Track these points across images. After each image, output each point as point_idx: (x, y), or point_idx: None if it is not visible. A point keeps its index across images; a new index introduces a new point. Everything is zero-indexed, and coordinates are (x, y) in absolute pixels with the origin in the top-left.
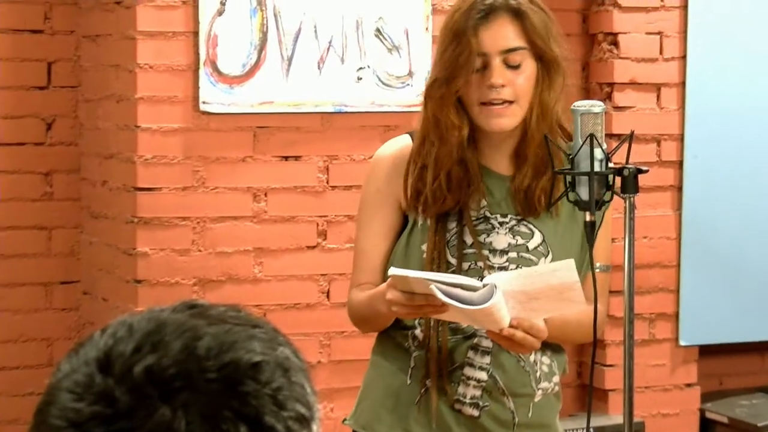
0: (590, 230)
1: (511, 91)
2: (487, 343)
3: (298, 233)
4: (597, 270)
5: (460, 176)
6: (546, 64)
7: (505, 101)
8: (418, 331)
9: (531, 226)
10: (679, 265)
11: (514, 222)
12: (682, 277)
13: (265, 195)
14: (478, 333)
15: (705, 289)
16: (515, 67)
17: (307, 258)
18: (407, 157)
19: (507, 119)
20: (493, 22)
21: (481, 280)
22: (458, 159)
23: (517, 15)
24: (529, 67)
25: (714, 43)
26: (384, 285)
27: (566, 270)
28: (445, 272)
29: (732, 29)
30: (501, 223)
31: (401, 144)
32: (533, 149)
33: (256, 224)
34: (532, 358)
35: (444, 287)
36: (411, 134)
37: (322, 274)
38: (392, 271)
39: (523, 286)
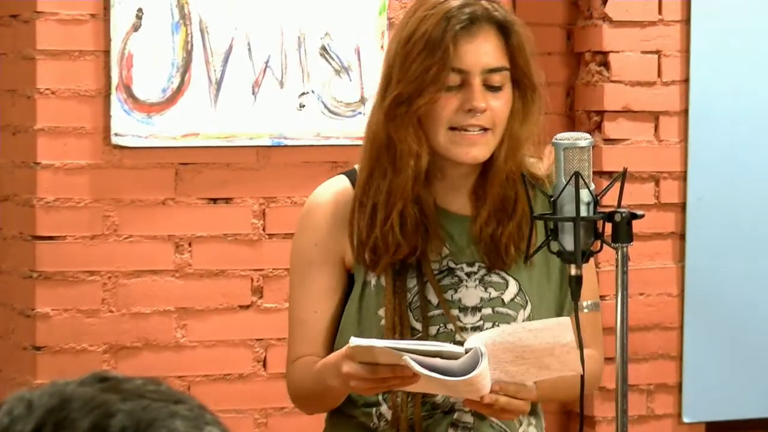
0: (576, 286)
1: (489, 117)
2: (468, 418)
3: (229, 290)
4: (585, 311)
5: (416, 217)
6: (523, 91)
7: (482, 127)
8: (384, 408)
9: (503, 274)
10: (682, 327)
11: (483, 271)
12: (685, 342)
13: (190, 245)
14: (456, 406)
15: (713, 356)
16: (495, 90)
17: (240, 320)
18: (349, 202)
19: (481, 149)
20: (477, 34)
21: (455, 343)
22: (414, 195)
23: (502, 29)
24: (508, 91)
25: (721, 63)
26: (336, 356)
27: (559, 329)
28: (411, 340)
29: (742, 47)
30: (469, 274)
31: (339, 186)
32: (496, 189)
33: (178, 279)
34: (520, 429)
35: (420, 358)
36: (348, 174)
37: (258, 339)
38: (354, 341)
39: (509, 345)
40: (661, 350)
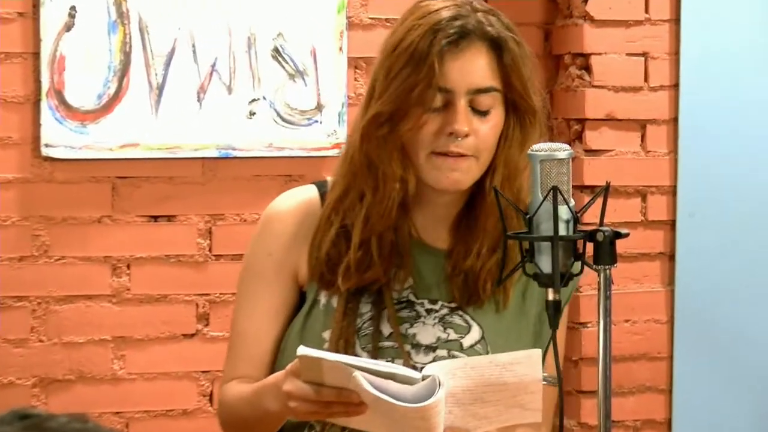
0: (553, 312)
1: (473, 142)
2: None
3: (172, 317)
4: (545, 382)
5: (391, 245)
6: (520, 114)
7: (462, 154)
8: None
9: (468, 318)
10: (671, 357)
11: (446, 311)
12: (675, 374)
13: (128, 267)
14: None
15: (705, 389)
16: (482, 114)
17: (184, 350)
18: (316, 214)
19: (462, 174)
20: (465, 50)
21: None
22: (394, 222)
23: (495, 46)
24: (497, 115)
25: (714, 66)
26: (277, 375)
27: (528, 364)
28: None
29: (737, 48)
30: (429, 311)
31: (306, 196)
32: (486, 222)
33: (115, 305)
34: None
35: (372, 378)
36: (319, 185)
37: (203, 372)
38: (303, 350)
39: (470, 382)
40: (649, 382)
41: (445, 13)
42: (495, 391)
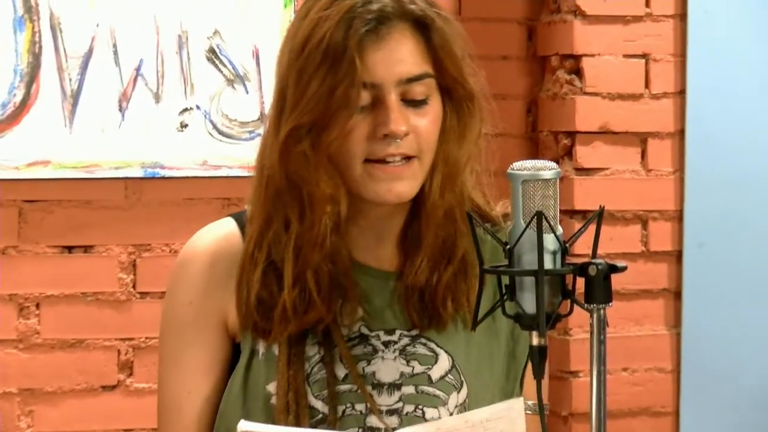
0: (538, 359)
1: (413, 141)
2: None
3: (89, 366)
4: (528, 412)
5: (330, 276)
6: (457, 101)
7: (404, 156)
8: None
9: (432, 345)
10: (677, 412)
11: (406, 340)
12: (682, 431)
13: (37, 306)
14: None
15: None
16: (418, 104)
17: (104, 404)
18: (236, 253)
19: (407, 183)
20: (387, 37)
21: (365, 429)
22: (330, 249)
23: (421, 26)
24: (435, 104)
25: (726, 71)
26: None
27: (509, 418)
28: (314, 425)
29: (753, 50)
30: (387, 344)
31: (223, 231)
32: (432, 230)
33: (22, 352)
34: None
35: None
36: (237, 217)
37: (127, 430)
38: (243, 426)
39: None
40: None
41: None
42: None
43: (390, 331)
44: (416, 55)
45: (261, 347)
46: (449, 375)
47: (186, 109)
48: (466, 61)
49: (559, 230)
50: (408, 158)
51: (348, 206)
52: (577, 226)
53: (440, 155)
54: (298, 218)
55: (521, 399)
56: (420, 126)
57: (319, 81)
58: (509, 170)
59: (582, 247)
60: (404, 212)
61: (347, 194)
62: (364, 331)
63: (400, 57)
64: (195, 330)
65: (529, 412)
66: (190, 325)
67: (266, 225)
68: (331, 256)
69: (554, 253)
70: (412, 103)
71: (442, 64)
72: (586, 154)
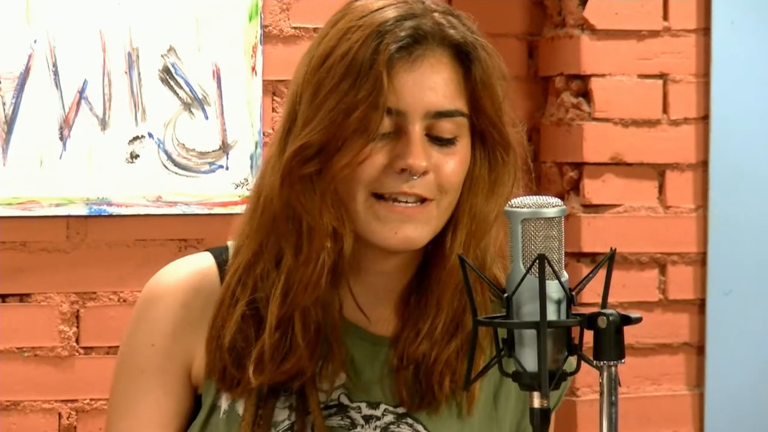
0: (540, 423)
1: (433, 182)
2: None
3: (27, 430)
4: None
5: (319, 327)
6: (490, 148)
7: (419, 198)
8: None
9: (420, 428)
10: None
11: (390, 417)
12: None
13: None
14: None
15: None
16: (445, 142)
17: None
18: (213, 290)
19: (418, 228)
20: (421, 59)
21: None
22: (324, 295)
23: (460, 55)
24: (464, 147)
25: (755, 93)
26: None
27: None
28: None
29: None
30: (368, 418)
31: (200, 267)
32: (447, 297)
33: None
34: None
35: None
36: (216, 253)
37: None
38: None
39: None
40: None
41: (392, 12)
42: None
43: (373, 405)
44: (451, 87)
45: (224, 403)
46: None
47: (136, 138)
48: (506, 104)
49: (564, 276)
50: (423, 200)
51: (351, 250)
52: (585, 271)
53: (465, 208)
54: (293, 252)
55: None
56: (443, 166)
57: (337, 98)
58: (507, 207)
59: (591, 295)
60: (412, 269)
61: (353, 233)
62: (344, 400)
63: (432, 85)
64: (155, 376)
65: None
66: (149, 370)
67: (255, 257)
68: (323, 304)
69: (558, 302)
70: (438, 141)
71: (480, 102)
72: (595, 189)
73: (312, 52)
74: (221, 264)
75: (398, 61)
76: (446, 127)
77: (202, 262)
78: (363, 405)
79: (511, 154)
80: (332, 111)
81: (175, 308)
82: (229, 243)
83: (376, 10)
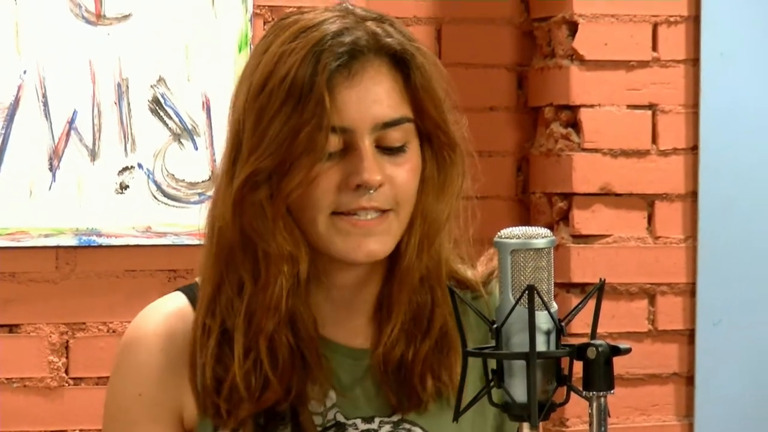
0: None
1: (389, 193)
2: None
3: None
4: None
5: (290, 346)
6: (437, 149)
7: (378, 210)
8: None
9: (418, 429)
10: None
11: (387, 428)
12: None
13: None
14: None
15: None
16: (395, 151)
17: None
18: (190, 331)
19: (380, 240)
20: (361, 73)
21: None
22: (288, 316)
23: (399, 62)
24: (413, 152)
25: (744, 124)
26: None
27: None
28: None
29: None
30: None
31: (174, 308)
32: (406, 295)
33: None
34: None
35: None
36: (187, 290)
37: None
38: None
39: None
40: None
41: (328, 27)
42: None
43: (368, 419)
44: (394, 96)
45: None
46: None
47: (126, 168)
48: (448, 104)
49: (554, 307)
50: (382, 212)
51: (314, 270)
52: (575, 301)
53: (419, 210)
54: (251, 278)
55: None
56: (396, 176)
57: (281, 122)
58: (496, 238)
59: (580, 325)
60: (379, 279)
61: (309, 254)
62: (340, 418)
63: (375, 98)
64: (147, 427)
65: None
66: (141, 421)
67: (217, 288)
68: (290, 324)
69: (548, 332)
70: (388, 151)
71: (423, 106)
72: (584, 219)
73: (249, 79)
74: (193, 301)
75: (338, 78)
76: (395, 136)
77: (175, 303)
78: (358, 421)
79: (458, 152)
80: (278, 135)
81: (156, 354)
82: (197, 279)
83: (309, 28)
